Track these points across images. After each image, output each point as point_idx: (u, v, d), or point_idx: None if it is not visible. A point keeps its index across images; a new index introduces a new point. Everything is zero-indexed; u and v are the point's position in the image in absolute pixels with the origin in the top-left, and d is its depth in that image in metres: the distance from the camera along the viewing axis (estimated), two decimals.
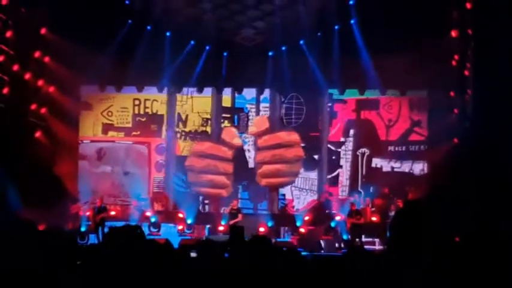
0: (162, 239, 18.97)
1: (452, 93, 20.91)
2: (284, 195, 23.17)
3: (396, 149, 22.75)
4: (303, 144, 22.90)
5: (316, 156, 23.12)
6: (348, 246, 19.14)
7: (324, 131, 23.12)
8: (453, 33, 20.45)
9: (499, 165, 17.60)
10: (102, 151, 23.43)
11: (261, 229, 21.36)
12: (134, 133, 23.50)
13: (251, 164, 23.22)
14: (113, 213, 21.11)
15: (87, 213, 20.65)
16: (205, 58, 22.36)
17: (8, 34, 19.15)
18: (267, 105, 23.41)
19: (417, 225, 4.02)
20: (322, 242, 20.52)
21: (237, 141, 23.01)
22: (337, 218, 21.57)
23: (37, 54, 20.81)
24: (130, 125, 23.53)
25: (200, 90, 23.24)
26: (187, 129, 23.56)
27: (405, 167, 22.65)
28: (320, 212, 22.37)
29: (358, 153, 22.95)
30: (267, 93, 23.28)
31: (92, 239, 20.04)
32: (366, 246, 19.23)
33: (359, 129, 23.02)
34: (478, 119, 19.18)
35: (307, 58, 22.01)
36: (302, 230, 21.50)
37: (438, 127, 21.20)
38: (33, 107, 20.96)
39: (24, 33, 19.68)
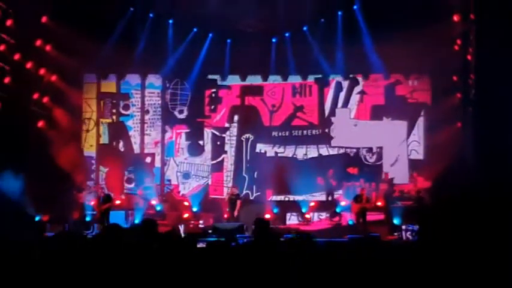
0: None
1: (455, 78, 20.87)
2: (170, 180, 23.04)
3: (280, 134, 22.81)
4: (187, 130, 23.02)
5: (201, 142, 23.12)
6: (355, 231, 19.17)
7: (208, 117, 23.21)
8: (455, 18, 20.34)
9: (502, 148, 17.59)
10: None
11: (267, 216, 21.40)
12: None
13: (136, 150, 23.18)
14: (117, 202, 21.03)
15: (92, 203, 20.59)
16: (209, 45, 22.27)
17: (9, 23, 19.00)
18: (153, 90, 23.32)
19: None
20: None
21: None
22: (342, 203, 21.64)
23: (38, 42, 20.72)
24: None
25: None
26: None
27: (289, 152, 22.72)
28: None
29: (242, 138, 23.00)
30: (151, 79, 23.27)
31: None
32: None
33: (243, 115, 23.08)
34: (481, 103, 19.13)
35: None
36: (308, 216, 21.60)
37: (441, 111, 21.14)
38: (36, 96, 20.92)
39: (25, 21, 19.50)
